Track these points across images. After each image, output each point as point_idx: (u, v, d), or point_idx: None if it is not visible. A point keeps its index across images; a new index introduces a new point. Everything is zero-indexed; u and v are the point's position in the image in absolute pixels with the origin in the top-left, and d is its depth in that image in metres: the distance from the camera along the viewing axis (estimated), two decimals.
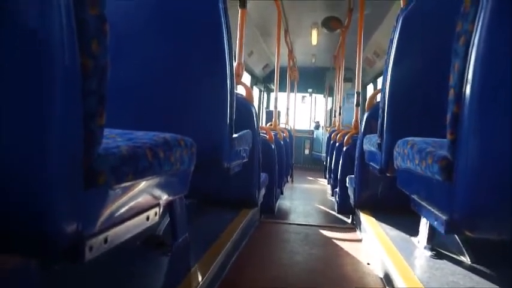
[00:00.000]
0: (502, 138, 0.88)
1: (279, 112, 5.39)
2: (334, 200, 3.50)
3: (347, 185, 2.67)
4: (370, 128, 2.24)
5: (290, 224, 2.69)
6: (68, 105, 0.59)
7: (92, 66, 0.63)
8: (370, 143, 2.02)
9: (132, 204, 0.85)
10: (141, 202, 0.90)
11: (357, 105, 3.21)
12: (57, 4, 0.55)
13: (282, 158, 3.48)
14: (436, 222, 1.12)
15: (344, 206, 2.78)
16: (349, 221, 2.82)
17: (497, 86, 0.87)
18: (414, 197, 1.35)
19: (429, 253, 1.46)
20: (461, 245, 1.45)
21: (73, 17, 0.58)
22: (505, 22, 0.85)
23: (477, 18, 0.88)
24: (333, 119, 7.34)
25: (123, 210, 0.81)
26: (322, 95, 8.93)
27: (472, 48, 0.89)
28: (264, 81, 8.48)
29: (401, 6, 1.97)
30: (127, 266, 1.22)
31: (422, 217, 1.49)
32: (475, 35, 0.88)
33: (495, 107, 0.88)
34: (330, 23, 5.19)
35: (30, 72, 0.55)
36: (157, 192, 1.00)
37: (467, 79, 0.90)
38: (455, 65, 0.95)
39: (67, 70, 0.58)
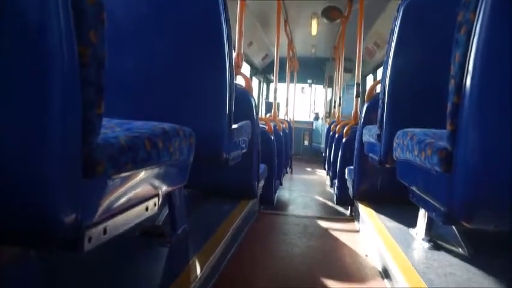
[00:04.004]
0: (501, 129, 0.88)
1: (278, 103, 5.37)
2: (333, 191, 3.51)
3: (346, 176, 2.68)
4: (369, 119, 2.23)
5: (289, 215, 2.70)
6: (66, 95, 0.58)
7: (89, 56, 0.63)
8: (370, 134, 2.02)
9: (131, 194, 0.85)
10: (140, 192, 0.90)
11: (357, 96, 3.20)
12: None
13: (281, 149, 3.48)
14: (434, 213, 1.12)
15: (343, 198, 2.79)
16: (348, 212, 2.83)
17: (498, 76, 0.87)
18: (413, 188, 1.35)
19: (427, 244, 1.47)
20: (459, 236, 1.46)
21: (70, 6, 0.58)
22: (507, 12, 0.84)
23: (478, 8, 0.87)
24: (332, 110, 7.32)
25: (122, 200, 0.81)
26: (322, 86, 8.90)
27: (473, 38, 0.88)
28: (263, 72, 8.44)
29: None
30: (126, 256, 1.23)
31: (420, 208, 1.50)
32: (476, 25, 0.87)
33: (495, 98, 0.88)
34: (330, 13, 5.14)
35: (28, 62, 0.55)
36: (156, 182, 1.00)
37: (467, 69, 0.89)
38: (456, 55, 0.94)
39: (65, 59, 0.57)
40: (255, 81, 8.20)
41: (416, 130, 1.32)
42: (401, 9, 1.72)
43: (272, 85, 5.74)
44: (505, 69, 0.85)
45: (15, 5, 0.54)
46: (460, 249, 1.43)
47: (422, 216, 1.55)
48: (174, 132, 1.04)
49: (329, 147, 4.34)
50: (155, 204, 0.99)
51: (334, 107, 6.41)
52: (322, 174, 5.66)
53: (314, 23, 5.49)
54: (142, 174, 0.90)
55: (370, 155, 2.03)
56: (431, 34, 1.68)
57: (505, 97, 0.86)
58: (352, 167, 2.49)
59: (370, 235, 1.87)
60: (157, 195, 1.01)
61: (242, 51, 2.24)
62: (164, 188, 1.05)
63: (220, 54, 1.53)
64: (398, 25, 1.72)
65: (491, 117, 0.88)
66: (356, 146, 2.39)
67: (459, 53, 0.93)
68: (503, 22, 0.85)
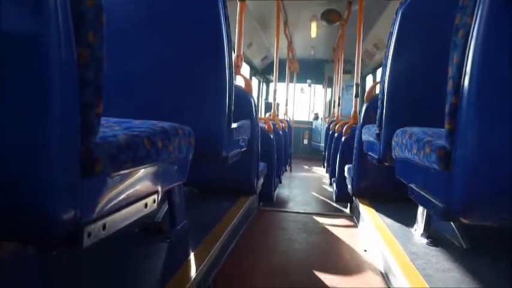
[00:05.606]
0: (498, 128, 0.89)
1: (277, 103, 5.38)
2: (332, 189, 3.52)
3: (345, 174, 2.69)
4: (368, 119, 2.25)
5: (288, 212, 2.71)
6: (65, 95, 0.59)
7: (88, 57, 0.64)
8: (369, 133, 2.03)
9: (130, 191, 0.85)
10: (139, 189, 0.90)
11: (356, 96, 3.21)
12: None
13: (281, 148, 3.49)
14: (432, 210, 1.13)
15: (342, 195, 2.80)
16: (347, 209, 2.84)
17: (495, 77, 0.88)
18: (412, 185, 1.36)
19: (426, 240, 1.48)
20: (457, 232, 1.47)
21: (70, 8, 0.59)
22: (504, 14, 0.85)
23: (476, 11, 0.88)
24: (331, 110, 7.33)
25: (121, 197, 0.82)
26: (321, 86, 8.91)
27: (471, 40, 0.89)
28: (263, 72, 8.45)
29: None
30: (126, 251, 1.24)
31: (419, 205, 1.50)
32: (474, 28, 0.88)
33: (493, 98, 0.89)
34: (329, 16, 5.15)
35: (27, 63, 0.56)
36: (156, 180, 1.00)
37: (465, 71, 0.90)
38: (454, 58, 0.95)
39: (64, 61, 0.58)
40: (254, 82, 8.21)
41: (415, 129, 1.33)
42: (400, 12, 1.73)
43: (272, 85, 5.75)
44: (501, 70, 0.87)
45: (14, 6, 0.54)
46: (458, 245, 1.44)
47: (420, 213, 1.56)
48: (173, 131, 1.05)
49: (328, 145, 4.35)
50: (154, 201, 1.00)
51: (334, 107, 6.42)
52: (321, 172, 5.67)
53: (313, 25, 5.49)
54: (142, 172, 0.90)
55: (369, 153, 2.04)
56: (429, 36, 1.69)
57: (502, 97, 0.87)
58: (351, 165, 2.50)
59: (369, 231, 1.88)
60: (156, 192, 1.01)
61: (242, 52, 2.25)
62: (163, 186, 1.06)
63: (220, 55, 1.54)
64: (396, 28, 1.73)
65: (489, 117, 0.90)
66: (355, 145, 2.40)
67: (457, 55, 0.94)
68: (499, 25, 0.86)
